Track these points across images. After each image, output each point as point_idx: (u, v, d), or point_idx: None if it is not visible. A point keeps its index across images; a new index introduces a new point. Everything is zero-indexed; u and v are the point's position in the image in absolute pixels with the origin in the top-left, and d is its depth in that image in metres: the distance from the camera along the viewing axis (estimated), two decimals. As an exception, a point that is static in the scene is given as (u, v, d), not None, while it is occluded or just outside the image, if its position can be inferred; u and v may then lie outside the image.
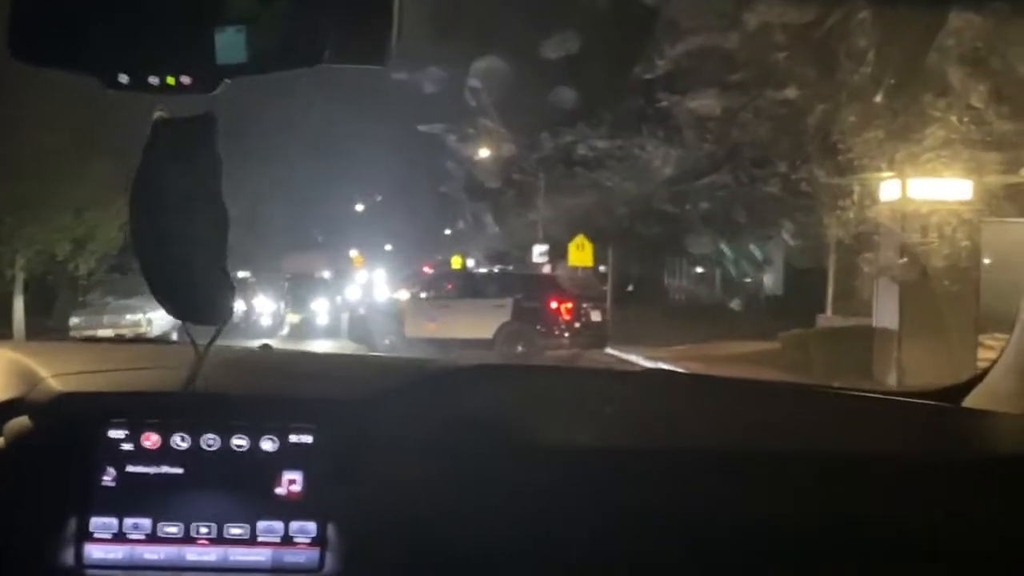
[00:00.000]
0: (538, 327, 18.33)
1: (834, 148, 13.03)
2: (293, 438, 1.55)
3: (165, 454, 1.53)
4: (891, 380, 13.15)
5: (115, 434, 1.54)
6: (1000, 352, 1.95)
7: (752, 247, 24.01)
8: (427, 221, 46.40)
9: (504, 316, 18.55)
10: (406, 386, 1.81)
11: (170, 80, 1.16)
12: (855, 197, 13.45)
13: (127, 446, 1.53)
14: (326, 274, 36.45)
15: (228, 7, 1.15)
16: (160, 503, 1.52)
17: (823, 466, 1.64)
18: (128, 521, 1.51)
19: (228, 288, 1.40)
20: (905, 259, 12.92)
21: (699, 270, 31.52)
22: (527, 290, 19.25)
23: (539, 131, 23.21)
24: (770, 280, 27.16)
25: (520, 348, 18.09)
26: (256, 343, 2.45)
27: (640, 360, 17.41)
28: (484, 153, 28.36)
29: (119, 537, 1.50)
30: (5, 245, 20.25)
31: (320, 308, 26.18)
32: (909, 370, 12.96)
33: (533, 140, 24.02)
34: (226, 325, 1.48)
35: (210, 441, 1.54)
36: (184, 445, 1.54)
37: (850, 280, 17.27)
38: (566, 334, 18.37)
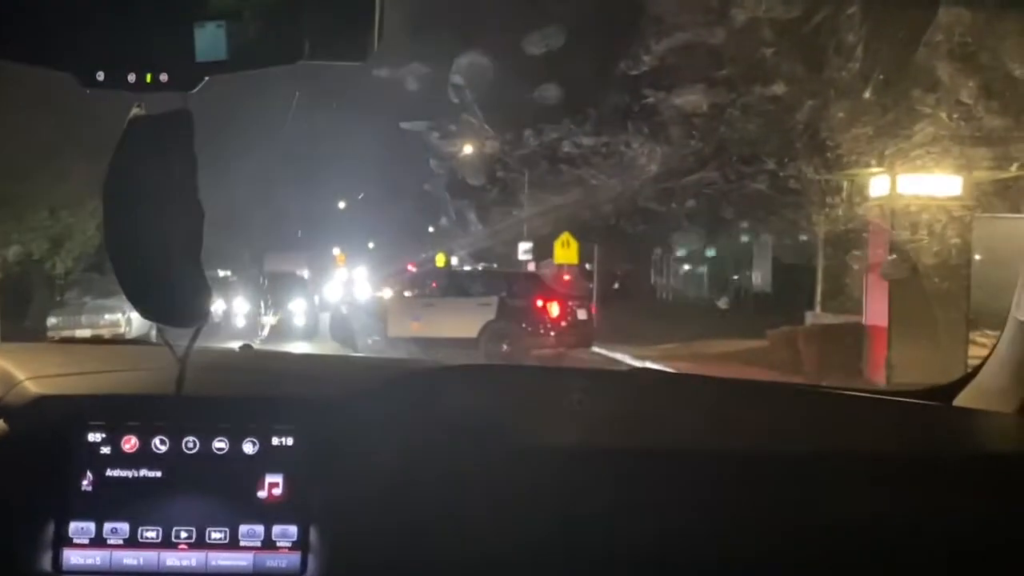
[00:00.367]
0: (523, 326, 18.25)
1: (823, 144, 13.01)
2: (275, 440, 1.52)
3: (144, 457, 1.50)
4: (880, 378, 13.13)
5: (93, 437, 1.51)
6: (991, 350, 1.93)
7: (740, 244, 24.01)
8: (410, 219, 46.35)
9: (489, 315, 18.43)
10: (389, 386, 1.79)
11: (148, 77, 1.16)
12: (844, 194, 13.41)
13: (105, 449, 1.50)
14: (305, 273, 36.26)
15: (207, 4, 1.14)
16: (139, 507, 1.49)
17: (813, 467, 1.62)
18: (107, 526, 1.48)
19: (204, 289, 1.35)
20: (894, 256, 12.87)
21: (686, 268, 31.55)
22: (512, 288, 19.16)
23: (523, 128, 23.11)
24: (758, 278, 27.20)
25: (505, 347, 17.95)
26: (235, 344, 2.41)
27: (627, 359, 17.39)
28: (468, 150, 28.28)
29: (97, 542, 1.47)
30: None
31: (297, 308, 25.95)
32: (899, 368, 12.91)
33: (517, 137, 23.92)
34: (203, 327, 1.44)
35: (190, 444, 1.51)
36: (164, 448, 1.51)
37: (839, 277, 17.26)
38: (552, 333, 18.27)
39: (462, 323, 18.19)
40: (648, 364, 15.73)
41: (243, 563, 1.48)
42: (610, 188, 21.45)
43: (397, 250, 44.11)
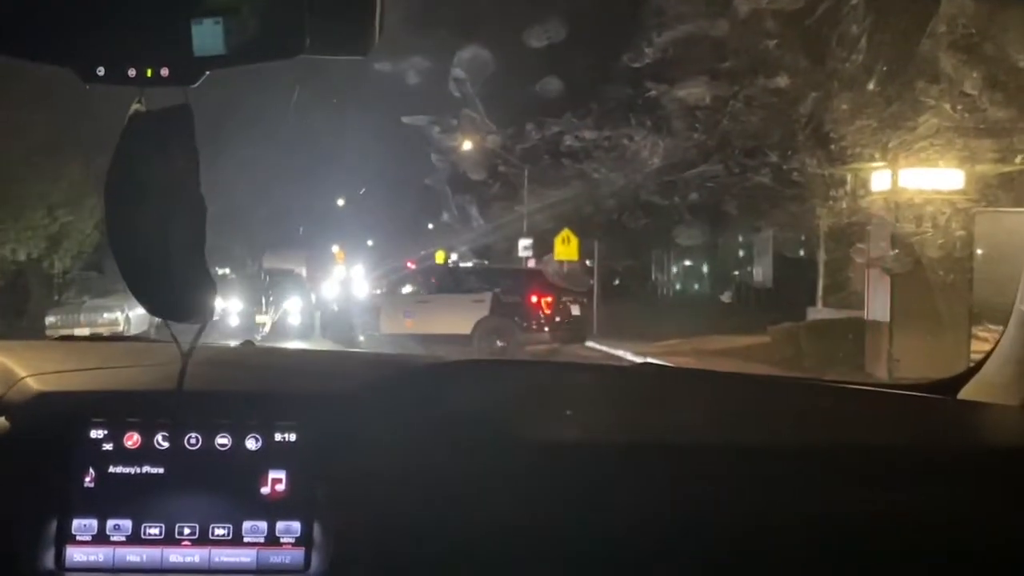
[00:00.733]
0: (517, 322, 18.35)
1: (826, 137, 12.98)
2: (278, 436, 1.52)
3: (147, 454, 1.50)
4: (883, 373, 13.11)
5: (96, 434, 1.51)
6: (995, 343, 1.93)
7: (742, 239, 24.00)
8: (410, 216, 46.28)
9: (483, 311, 18.50)
10: (392, 382, 1.80)
11: (148, 72, 1.15)
12: (847, 187, 13.38)
13: (108, 446, 1.50)
14: (303, 271, 36.23)
15: (222, 6, 1.14)
16: (142, 504, 1.49)
17: (817, 460, 1.62)
18: (110, 522, 1.48)
19: (209, 285, 1.36)
20: (897, 250, 12.84)
21: (688, 263, 31.51)
22: (506, 284, 19.20)
23: (525, 122, 23.06)
24: (760, 273, 27.18)
25: (499, 343, 18.00)
26: (234, 342, 2.40)
27: (628, 355, 17.34)
28: (469, 145, 28.23)
29: (100, 539, 1.47)
30: None
31: (293, 307, 25.90)
32: (901, 363, 12.88)
33: (519, 131, 23.88)
34: (208, 323, 1.44)
35: (193, 440, 1.51)
36: (166, 445, 1.51)
37: (841, 272, 17.24)
38: (546, 328, 18.37)
39: (456, 319, 18.22)
40: (649, 360, 15.70)
41: (246, 559, 1.48)
42: (612, 182, 21.43)
43: (396, 247, 44.10)
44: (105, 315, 20.38)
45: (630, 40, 16.98)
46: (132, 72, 1.16)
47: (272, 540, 1.48)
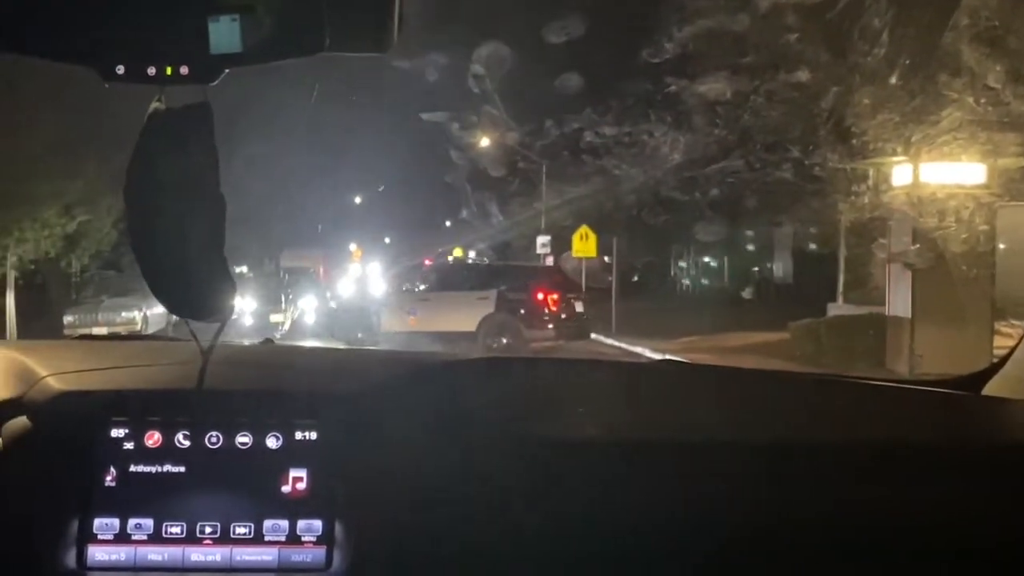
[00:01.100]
0: (522, 319, 18.35)
1: (848, 132, 12.90)
2: (298, 435, 1.53)
3: (168, 453, 1.51)
4: (904, 369, 13.06)
5: (117, 433, 1.51)
6: (1020, 339, 1.91)
7: (762, 235, 23.91)
8: (428, 213, 46.36)
9: (488, 308, 18.51)
10: (410, 380, 1.79)
11: (168, 71, 1.16)
12: (868, 182, 13.31)
13: (129, 445, 1.51)
14: (320, 269, 36.28)
15: (239, 4, 1.15)
16: (163, 503, 1.49)
17: (839, 457, 1.62)
18: (131, 521, 1.48)
19: (229, 283, 1.36)
20: (919, 245, 12.78)
21: (707, 259, 31.39)
22: (510, 281, 19.21)
23: (544, 118, 23.02)
24: (780, 268, 27.08)
25: (505, 340, 18.05)
26: (249, 341, 2.38)
27: (647, 352, 17.35)
28: (488, 142, 28.22)
29: (122, 538, 1.48)
30: None
31: (308, 306, 25.94)
32: (924, 359, 12.82)
33: (538, 127, 23.84)
34: (227, 321, 1.44)
35: (213, 439, 1.52)
36: (187, 443, 1.52)
37: (862, 267, 17.16)
38: (551, 325, 18.39)
39: (460, 317, 18.27)
40: (668, 357, 15.70)
41: (268, 558, 1.49)
42: (631, 178, 21.37)
43: (414, 245, 44.10)
44: (123, 314, 20.54)
45: (650, 35, 16.93)
46: (152, 70, 1.16)
47: (293, 539, 1.49)
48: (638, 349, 18.19)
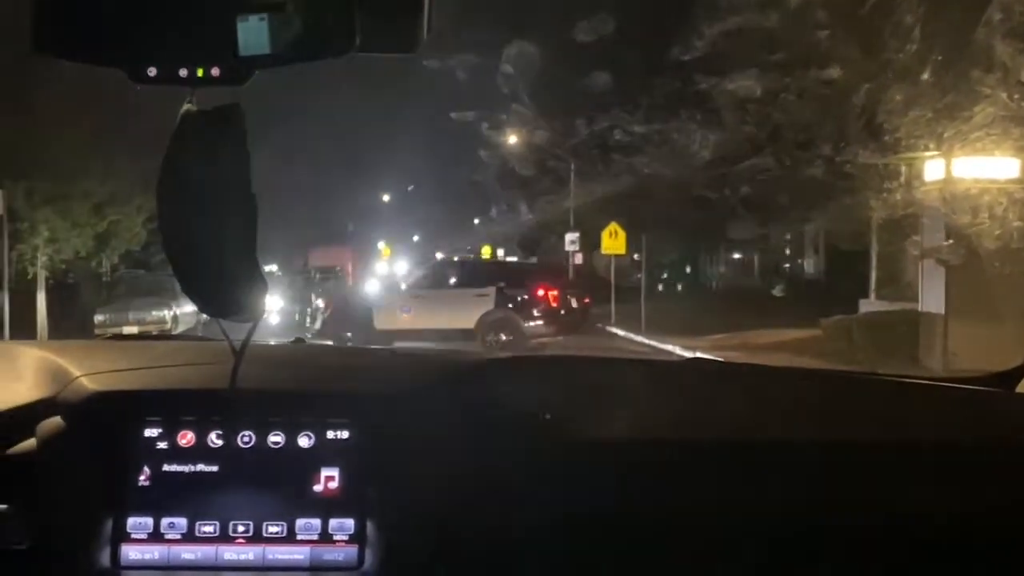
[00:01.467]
0: (522, 315, 18.41)
1: (879, 128, 12.81)
2: (330, 434, 1.53)
3: (201, 452, 1.52)
4: (937, 366, 12.96)
5: (150, 432, 1.52)
6: None
7: (792, 232, 23.75)
8: (457, 211, 46.35)
9: (487, 305, 18.52)
10: (444, 379, 1.80)
11: (199, 72, 1.16)
12: (900, 178, 13.23)
13: (162, 444, 1.52)
14: (348, 267, 36.43)
15: (269, 4, 1.14)
16: (196, 502, 1.50)
17: (874, 455, 1.61)
18: (164, 520, 1.49)
19: (261, 283, 1.36)
20: (952, 241, 12.69)
21: (736, 256, 31.22)
22: (508, 279, 19.23)
23: (574, 116, 22.96)
24: (811, 265, 26.92)
25: (504, 337, 18.12)
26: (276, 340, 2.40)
27: (676, 350, 17.30)
28: (517, 140, 28.22)
29: (155, 537, 1.49)
30: (26, 243, 20.42)
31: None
32: (956, 355, 12.74)
33: (568, 126, 23.78)
34: (259, 321, 1.45)
35: (246, 438, 1.53)
36: (220, 443, 1.52)
37: (894, 264, 17.05)
38: (550, 321, 18.51)
39: (459, 314, 18.24)
40: (699, 355, 15.65)
41: (300, 556, 1.49)
42: (661, 176, 21.29)
43: (442, 243, 44.22)
44: (153, 313, 20.62)
45: (680, 33, 16.89)
46: (183, 72, 1.16)
47: (325, 537, 1.49)
48: (667, 346, 18.17)
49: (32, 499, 1.43)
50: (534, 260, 27.24)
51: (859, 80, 13.19)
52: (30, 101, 18.32)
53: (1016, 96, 11.17)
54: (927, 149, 12.11)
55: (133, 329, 19.94)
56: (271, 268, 31.45)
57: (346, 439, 1.52)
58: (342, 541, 1.49)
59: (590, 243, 25.87)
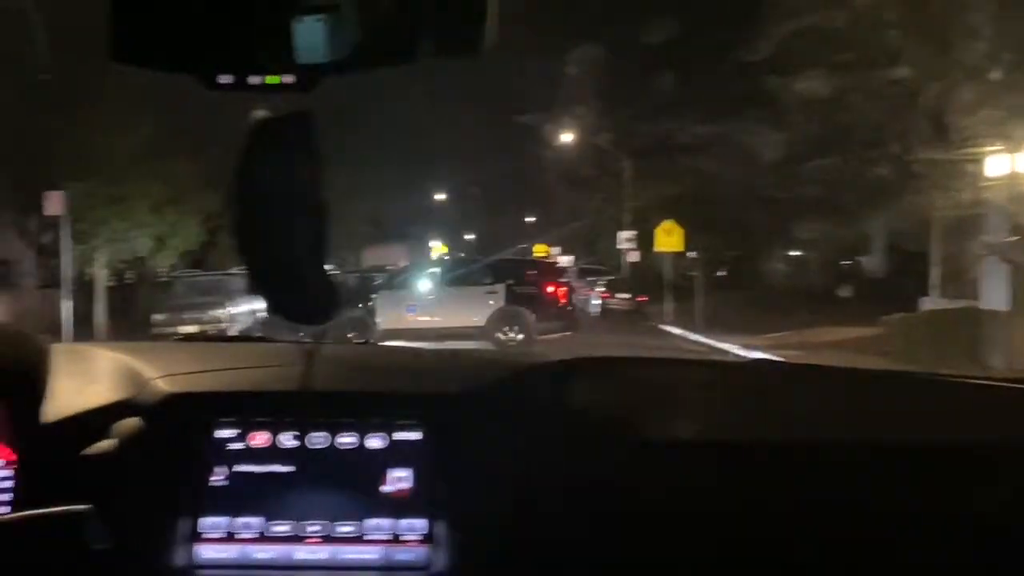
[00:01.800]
0: (533, 311, 18.26)
1: (947, 127, 12.79)
2: (400, 435, 1.55)
3: (274, 453, 1.54)
4: (1000, 364, 12.86)
5: (224, 434, 1.55)
6: None
7: (854, 229, 23.47)
8: (510, 209, 46.39)
9: (498, 302, 18.41)
10: (512, 380, 1.79)
11: (270, 79, 1.16)
12: (965, 177, 13.19)
13: (236, 445, 1.54)
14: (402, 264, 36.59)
15: (329, 5, 1.15)
16: (270, 502, 1.52)
17: (943, 458, 1.60)
18: (238, 520, 1.51)
19: (331, 287, 1.36)
20: (1016, 238, 12.66)
21: (795, 253, 30.88)
22: (517, 276, 19.10)
23: (638, 118, 22.94)
24: (871, 262, 26.65)
25: (516, 334, 18.06)
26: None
27: (733, 348, 17.22)
28: (572, 138, 28.25)
29: (230, 536, 1.50)
30: (86, 244, 20.54)
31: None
32: (1020, 354, 12.67)
33: (631, 127, 23.78)
34: (329, 323, 1.45)
35: (318, 439, 1.54)
36: (292, 444, 1.54)
37: (956, 261, 16.92)
38: (559, 317, 18.41)
39: (468, 312, 18.03)
40: (757, 353, 15.68)
41: (372, 556, 1.50)
42: (726, 177, 21.25)
43: (496, 241, 44.25)
44: (209, 312, 20.43)
45: (746, 34, 16.91)
46: (254, 79, 1.16)
47: (396, 538, 1.50)
48: (724, 345, 17.95)
49: (112, 499, 1.42)
50: (633, 257, 27.03)
51: (928, 79, 13.17)
52: (90, 104, 18.59)
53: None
54: (995, 148, 12.09)
55: (189, 328, 19.95)
56: (328, 267, 31.54)
57: (416, 440, 1.54)
58: (413, 541, 1.50)
59: (648, 242, 25.80)
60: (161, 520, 1.49)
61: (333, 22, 1.13)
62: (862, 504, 1.52)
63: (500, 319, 18.26)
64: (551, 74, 25.84)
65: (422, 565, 1.49)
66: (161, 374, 1.68)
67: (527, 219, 45.49)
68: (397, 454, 1.54)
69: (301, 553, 1.50)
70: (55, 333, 17.95)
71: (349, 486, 1.52)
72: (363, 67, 1.17)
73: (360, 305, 17.94)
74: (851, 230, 22.25)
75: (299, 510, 1.51)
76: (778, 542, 1.49)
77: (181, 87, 1.22)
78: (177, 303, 21.62)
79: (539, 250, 36.63)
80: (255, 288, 1.32)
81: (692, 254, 25.12)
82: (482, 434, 1.56)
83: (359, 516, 1.51)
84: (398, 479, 1.52)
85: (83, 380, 1.65)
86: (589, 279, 31.30)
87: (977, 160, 12.73)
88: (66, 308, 19.02)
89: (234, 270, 21.36)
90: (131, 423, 1.54)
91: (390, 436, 1.54)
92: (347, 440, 1.54)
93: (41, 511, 1.35)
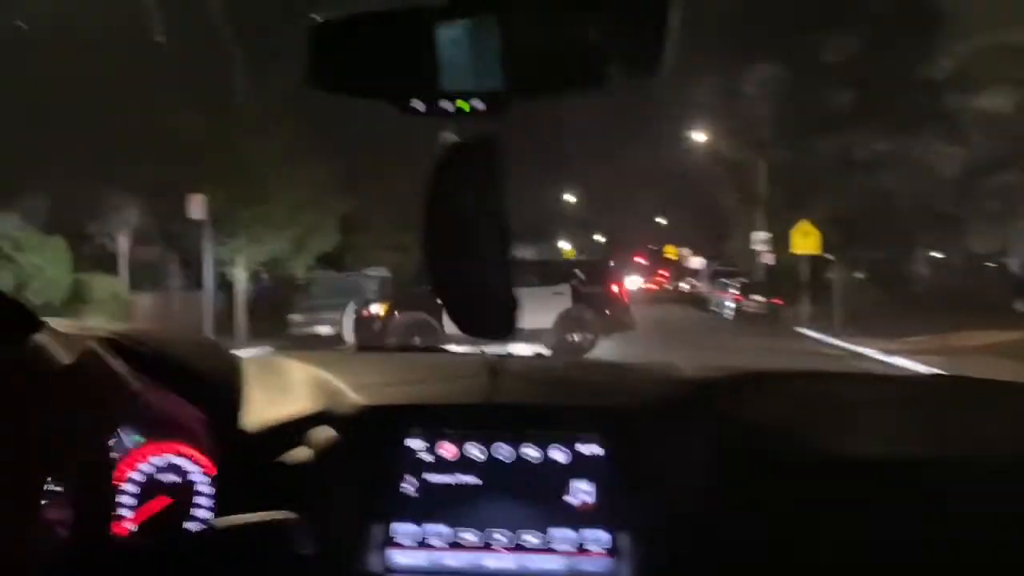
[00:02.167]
0: (599, 311, 18.44)
1: None
2: (582, 448, 1.57)
3: (461, 463, 1.57)
4: None
5: (415, 444, 1.59)
6: None
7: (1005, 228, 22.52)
8: (641, 210, 46.05)
9: (565, 303, 18.50)
10: (692, 395, 1.79)
11: (462, 105, 1.20)
12: None
13: (426, 456, 1.58)
14: None
15: (518, 35, 1.18)
16: (458, 511, 1.55)
17: None
18: (429, 528, 1.54)
19: (513, 304, 1.39)
20: None
21: (936, 254, 29.78)
22: (579, 275, 19.25)
23: (810, 134, 22.43)
24: (1016, 265, 25.53)
25: (584, 335, 18.24)
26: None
27: (873, 353, 16.88)
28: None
29: (421, 543, 1.54)
30: (226, 246, 21.00)
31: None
32: None
33: (800, 143, 23.28)
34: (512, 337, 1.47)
35: (503, 451, 1.58)
36: (479, 455, 1.58)
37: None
38: (624, 316, 18.72)
39: (535, 313, 17.59)
40: (898, 359, 15.31)
41: (557, 567, 1.52)
42: (902, 192, 20.74)
43: (627, 242, 44.05)
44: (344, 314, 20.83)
45: (926, 52, 16.51)
46: (448, 105, 1.20)
47: (581, 549, 1.52)
48: (864, 349, 17.69)
49: (310, 506, 1.47)
50: (768, 259, 26.65)
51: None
52: (230, 109, 19.37)
53: None
54: None
55: (325, 329, 20.46)
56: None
57: (599, 454, 1.56)
58: (597, 553, 1.51)
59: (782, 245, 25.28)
60: (358, 526, 1.53)
61: (523, 50, 1.17)
62: None
63: (567, 320, 18.46)
64: (723, 89, 25.52)
65: None
66: (352, 386, 1.72)
67: (657, 220, 45.13)
68: (580, 466, 1.56)
69: (489, 561, 1.53)
70: (198, 333, 18.76)
71: (534, 497, 1.55)
72: (552, 93, 1.23)
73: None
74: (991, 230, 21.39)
75: (486, 519, 1.54)
76: (965, 562, 1.47)
77: (315, 96, 1.28)
78: (313, 304, 22.00)
79: (669, 251, 36.38)
80: (444, 305, 1.37)
81: (829, 256, 24.54)
82: (662, 447, 1.58)
83: (544, 526, 1.53)
84: (581, 491, 1.54)
85: (276, 391, 1.71)
86: (722, 281, 30.99)
87: None
88: (208, 309, 19.62)
89: (369, 271, 21.51)
90: (326, 433, 1.59)
91: (573, 449, 1.56)
92: (531, 452, 1.57)
93: (252, 517, 1.40)
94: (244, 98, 19.79)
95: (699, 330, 24.92)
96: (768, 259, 28.26)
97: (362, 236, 28.81)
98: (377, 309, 18.69)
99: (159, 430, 1.57)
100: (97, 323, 1.64)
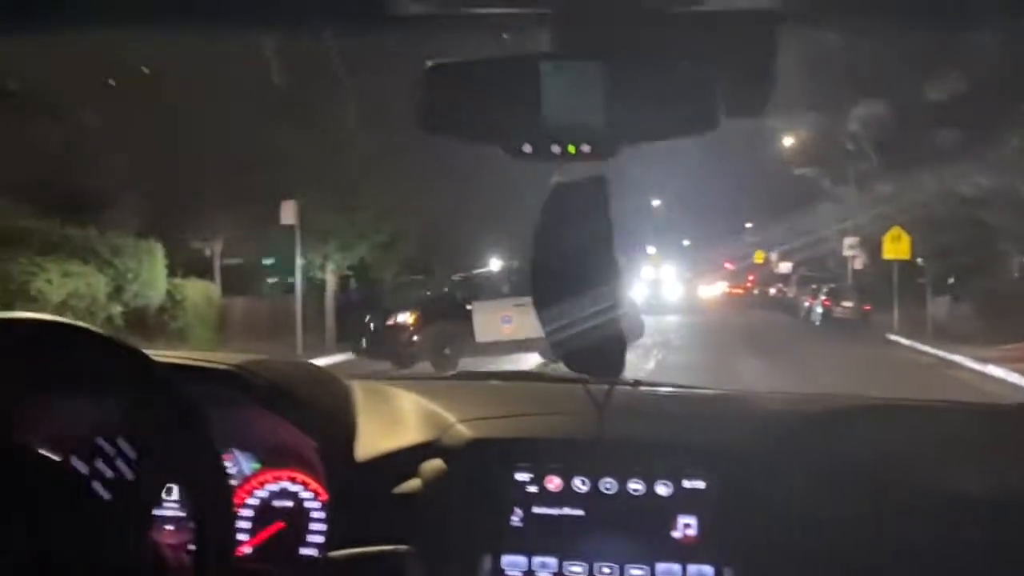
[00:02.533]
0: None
1: None
2: (687, 484, 1.59)
3: (567, 497, 1.60)
4: None
5: (522, 477, 1.62)
6: None
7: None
8: (728, 216, 45.55)
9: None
10: (794, 429, 1.80)
11: (571, 149, 1.22)
12: None
13: (532, 488, 1.61)
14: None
15: (623, 80, 1.19)
16: (564, 543, 1.58)
17: None
18: (536, 560, 1.57)
19: (621, 341, 1.41)
20: None
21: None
22: None
23: (917, 171, 22.20)
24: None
25: None
26: None
27: (965, 361, 16.45)
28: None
29: (529, 574, 1.58)
30: (315, 251, 21.08)
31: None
32: None
33: (908, 180, 23.05)
34: (620, 376, 1.53)
35: (608, 485, 1.60)
36: (584, 488, 1.60)
37: None
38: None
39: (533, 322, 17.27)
40: (990, 367, 14.96)
41: None
42: (1008, 229, 20.55)
43: (714, 247, 43.57)
44: None
45: None
46: (556, 148, 1.21)
47: None
48: (955, 357, 17.26)
49: (421, 536, 1.50)
50: (857, 264, 26.39)
51: None
52: (318, 119, 19.46)
53: None
54: None
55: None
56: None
57: (702, 489, 1.58)
58: None
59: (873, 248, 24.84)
60: (468, 558, 1.56)
61: (628, 94, 1.19)
62: None
63: None
64: (831, 127, 25.54)
65: None
66: (461, 418, 1.76)
67: (746, 224, 44.61)
68: (684, 501, 1.58)
69: None
70: (290, 335, 19.15)
71: (638, 531, 1.57)
72: (657, 137, 1.23)
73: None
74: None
75: (592, 552, 1.57)
76: None
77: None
78: (399, 310, 22.01)
79: (758, 256, 35.90)
80: (552, 339, 1.38)
81: (919, 260, 24.02)
82: (768, 485, 1.58)
83: (649, 560, 1.55)
84: (686, 525, 1.57)
85: (387, 421, 1.74)
86: (811, 287, 30.56)
87: None
88: (298, 313, 19.82)
89: (455, 277, 21.59)
90: (436, 464, 1.62)
91: (678, 484, 1.59)
92: (636, 487, 1.59)
93: (367, 550, 1.44)
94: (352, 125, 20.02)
95: (786, 336, 24.55)
96: (858, 264, 27.88)
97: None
98: (405, 318, 18.16)
99: (274, 457, 1.67)
100: (222, 356, 1.73)
